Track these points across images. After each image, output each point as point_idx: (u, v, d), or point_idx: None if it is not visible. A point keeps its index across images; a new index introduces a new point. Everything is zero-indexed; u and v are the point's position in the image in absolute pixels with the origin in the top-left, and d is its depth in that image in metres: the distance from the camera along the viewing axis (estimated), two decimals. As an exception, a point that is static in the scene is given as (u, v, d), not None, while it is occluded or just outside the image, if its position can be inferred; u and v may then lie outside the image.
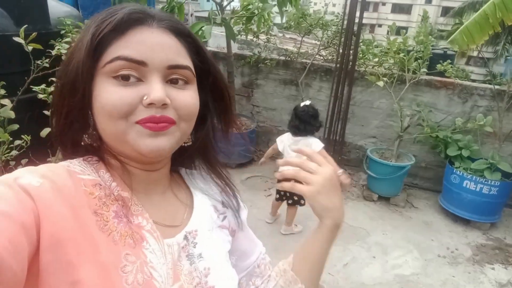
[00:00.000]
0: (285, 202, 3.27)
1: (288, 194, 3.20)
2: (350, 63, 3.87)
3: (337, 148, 4.18)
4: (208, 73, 0.64)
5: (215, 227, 0.69)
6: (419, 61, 3.83)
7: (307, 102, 3.09)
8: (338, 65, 3.76)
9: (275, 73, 4.50)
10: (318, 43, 4.53)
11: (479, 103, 3.91)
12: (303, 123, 2.99)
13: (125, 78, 0.54)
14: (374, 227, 3.54)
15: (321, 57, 4.56)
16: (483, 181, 3.45)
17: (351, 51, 3.83)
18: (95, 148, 0.60)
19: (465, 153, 3.71)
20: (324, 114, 4.44)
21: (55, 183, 0.52)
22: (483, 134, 3.86)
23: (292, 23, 4.14)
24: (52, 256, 0.47)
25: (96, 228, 0.52)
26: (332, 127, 4.13)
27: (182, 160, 0.71)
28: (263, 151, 4.92)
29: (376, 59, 4.18)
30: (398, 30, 4.00)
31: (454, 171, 3.64)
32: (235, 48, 4.92)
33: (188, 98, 0.58)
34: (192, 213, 0.67)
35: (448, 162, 3.81)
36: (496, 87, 3.79)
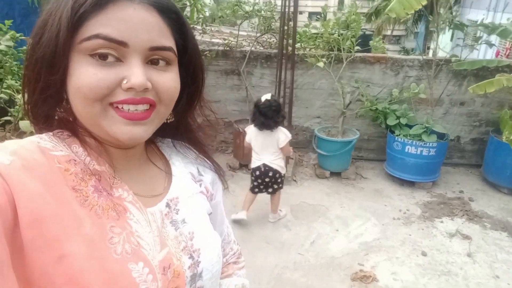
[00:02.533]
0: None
1: (267, 185, 3.13)
2: (290, 48, 3.94)
3: (286, 132, 4.26)
4: (187, 52, 0.61)
5: (194, 193, 0.70)
6: (352, 39, 4.02)
7: (268, 96, 2.94)
8: (281, 51, 3.81)
9: (215, 64, 4.43)
10: (254, 34, 4.54)
11: (409, 74, 4.21)
12: (268, 119, 2.91)
13: (103, 57, 0.50)
14: (332, 202, 3.68)
15: (259, 44, 4.58)
16: (422, 144, 3.75)
17: (288, 36, 3.90)
18: (69, 122, 0.57)
19: (403, 121, 4.00)
20: (269, 100, 4.49)
21: (27, 160, 0.50)
22: (416, 102, 4.18)
23: (228, 12, 4.09)
24: (35, 232, 0.47)
25: (77, 204, 0.52)
26: (278, 112, 4.19)
27: (159, 133, 0.68)
28: (211, 145, 4.85)
29: (312, 42, 4.30)
30: (319, 14, 4.16)
31: (396, 139, 3.90)
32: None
33: (169, 81, 0.56)
34: (171, 181, 0.67)
35: (389, 132, 4.07)
36: (424, 57, 4.10)
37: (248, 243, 3.02)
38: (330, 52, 4.14)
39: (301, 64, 4.26)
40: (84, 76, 0.50)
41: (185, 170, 0.71)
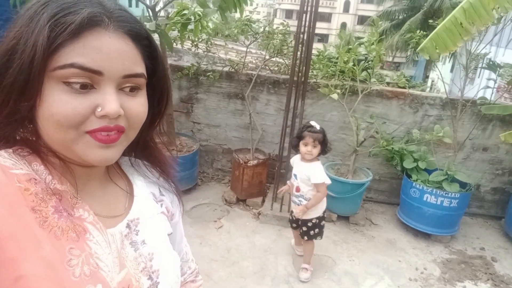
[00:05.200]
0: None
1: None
2: (301, 74, 3.57)
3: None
4: (155, 74, 0.62)
5: (155, 214, 0.70)
6: (368, 70, 3.66)
7: (314, 124, 2.72)
8: (295, 78, 3.42)
9: (218, 86, 4.03)
10: (262, 54, 4.16)
11: (429, 112, 3.84)
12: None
13: (78, 86, 0.50)
14: (339, 253, 3.24)
15: (267, 68, 4.19)
16: (444, 194, 3.34)
17: (301, 62, 3.52)
18: (31, 141, 0.56)
19: (421, 165, 3.60)
20: (273, 129, 4.09)
21: None
22: (435, 144, 3.80)
23: (236, 31, 3.70)
24: None
25: (36, 225, 0.51)
26: (284, 143, 3.78)
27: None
28: (206, 172, 4.43)
29: (325, 71, 3.93)
30: (322, 38, 3.81)
31: (413, 184, 3.50)
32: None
33: (139, 106, 0.57)
34: (133, 202, 0.67)
35: (405, 175, 3.67)
36: (447, 96, 3.74)
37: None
38: (345, 83, 3.77)
39: (311, 93, 3.88)
40: (58, 103, 0.49)
41: (146, 190, 0.71)
